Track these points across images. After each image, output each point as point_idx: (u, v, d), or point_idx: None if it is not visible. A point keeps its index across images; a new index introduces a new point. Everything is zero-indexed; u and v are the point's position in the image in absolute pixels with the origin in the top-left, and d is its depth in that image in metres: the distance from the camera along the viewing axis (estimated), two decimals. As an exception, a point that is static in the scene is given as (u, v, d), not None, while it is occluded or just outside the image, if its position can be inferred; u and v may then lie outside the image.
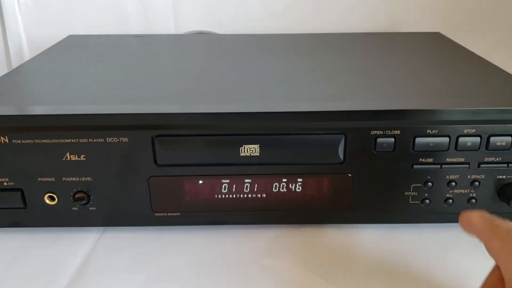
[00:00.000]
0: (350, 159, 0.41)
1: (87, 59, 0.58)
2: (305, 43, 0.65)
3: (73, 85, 0.47)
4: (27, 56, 0.78)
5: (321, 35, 0.70)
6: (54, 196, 0.42)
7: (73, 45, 0.65)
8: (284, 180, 0.42)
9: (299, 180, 0.42)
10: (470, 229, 0.32)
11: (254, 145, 0.40)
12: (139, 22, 0.78)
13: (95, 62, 0.56)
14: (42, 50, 0.61)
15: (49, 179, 0.41)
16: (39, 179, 0.41)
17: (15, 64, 0.78)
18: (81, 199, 0.42)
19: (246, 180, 0.42)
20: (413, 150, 0.40)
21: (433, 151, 0.40)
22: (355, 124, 0.40)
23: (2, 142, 0.40)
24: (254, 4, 0.77)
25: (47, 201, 0.42)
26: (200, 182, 0.42)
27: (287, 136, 0.40)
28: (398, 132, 0.40)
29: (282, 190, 0.43)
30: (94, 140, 0.40)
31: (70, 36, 0.70)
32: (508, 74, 0.49)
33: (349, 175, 0.42)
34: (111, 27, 0.78)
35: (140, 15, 0.78)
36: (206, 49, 0.64)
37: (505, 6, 0.77)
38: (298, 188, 0.42)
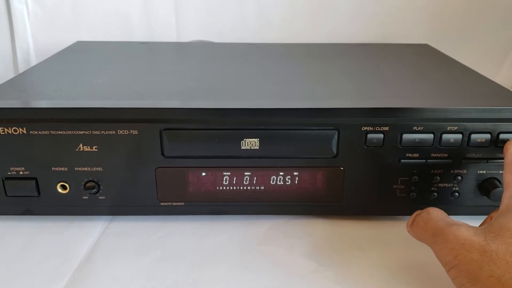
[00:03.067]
0: (342, 154, 0.44)
1: (96, 62, 0.61)
2: (301, 51, 0.69)
3: (84, 83, 0.51)
4: (34, 62, 0.81)
5: (315, 45, 0.75)
6: (66, 185, 0.45)
7: (82, 49, 0.68)
8: (281, 173, 0.45)
9: (295, 173, 0.45)
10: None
11: (254, 139, 0.43)
12: (143, 31, 0.82)
13: (103, 65, 0.60)
14: (49, 56, 0.64)
15: (62, 169, 0.44)
16: (53, 168, 0.44)
17: (22, 70, 0.81)
18: (91, 188, 0.45)
19: (246, 173, 0.45)
20: (401, 146, 0.44)
21: (418, 147, 0.44)
22: (348, 121, 0.43)
23: (20, 133, 0.43)
24: (251, 16, 0.81)
25: (60, 190, 0.45)
26: (203, 174, 0.45)
27: (284, 130, 0.43)
28: (386, 128, 0.43)
29: (279, 183, 0.46)
30: (106, 132, 0.43)
31: (78, 42, 0.74)
32: (489, 79, 0.53)
33: (342, 168, 0.45)
34: (116, 35, 0.82)
35: (144, 24, 0.82)
36: (206, 55, 0.67)
37: (490, 21, 0.82)
38: (294, 181, 0.46)
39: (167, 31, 0.83)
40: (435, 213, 0.37)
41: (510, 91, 0.49)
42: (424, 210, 0.38)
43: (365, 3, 0.81)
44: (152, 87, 0.50)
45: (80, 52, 0.67)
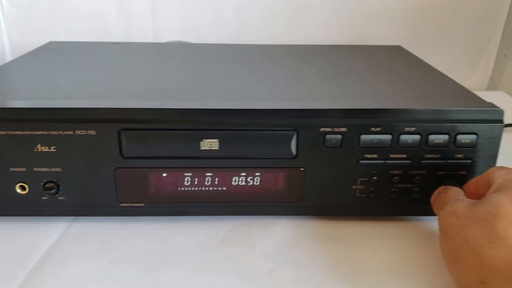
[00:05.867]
0: (302, 154, 0.44)
1: (65, 62, 0.61)
2: (275, 53, 0.69)
3: (48, 83, 0.51)
4: (10, 61, 0.81)
5: (290, 46, 0.75)
6: (26, 186, 0.45)
7: (53, 49, 0.68)
8: (243, 174, 0.45)
9: (256, 174, 0.45)
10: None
11: (214, 140, 0.43)
12: (120, 32, 0.82)
13: (72, 65, 0.60)
14: (22, 56, 0.64)
15: (21, 169, 0.44)
16: (11, 169, 0.44)
17: (-3, 69, 0.81)
18: (50, 188, 0.44)
19: (207, 174, 0.45)
20: (359, 147, 0.44)
21: (377, 148, 0.44)
22: (306, 122, 0.43)
23: (-23, 133, 0.43)
24: (228, 18, 0.81)
25: (19, 191, 0.45)
26: (164, 175, 0.45)
27: (244, 131, 0.43)
28: (344, 129, 0.43)
29: (241, 184, 0.46)
30: (64, 133, 0.43)
31: (51, 42, 0.73)
32: (454, 81, 0.54)
33: (302, 169, 0.45)
34: (93, 36, 0.82)
35: (121, 24, 0.81)
36: (179, 56, 0.67)
37: (464, 24, 0.82)
38: (256, 182, 0.46)
39: (143, 31, 0.83)
40: (451, 192, 0.42)
41: (472, 93, 0.49)
42: (445, 187, 0.43)
43: (341, 6, 0.81)
44: (115, 88, 0.50)
45: (52, 52, 0.66)
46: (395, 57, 0.68)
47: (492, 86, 0.90)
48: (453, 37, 0.83)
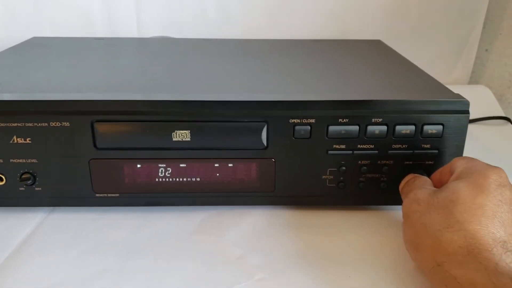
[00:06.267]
0: (273, 145, 0.45)
1: (46, 56, 0.62)
2: (254, 47, 0.70)
3: (27, 77, 0.51)
4: (-5, 57, 0.81)
5: (272, 40, 0.76)
6: (3, 177, 0.46)
7: (35, 45, 0.69)
8: (216, 164, 0.46)
9: (229, 164, 0.46)
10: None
11: (185, 131, 0.44)
12: (104, 27, 0.83)
13: (52, 60, 0.61)
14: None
15: (-2, 161, 0.45)
16: (-12, 160, 0.45)
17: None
18: (27, 179, 0.45)
19: (180, 165, 0.46)
20: (327, 137, 0.45)
21: (345, 138, 0.45)
22: (275, 113, 0.44)
23: (-46, 125, 0.43)
24: (212, 13, 0.82)
25: (-4, 182, 0.46)
26: (138, 166, 0.46)
27: (215, 123, 0.44)
28: (313, 120, 0.44)
29: (213, 174, 0.47)
30: (39, 125, 0.44)
31: (34, 38, 0.74)
32: (426, 74, 0.55)
33: (273, 160, 0.46)
34: (77, 31, 0.82)
35: (105, 20, 0.82)
36: (160, 50, 0.68)
37: (444, 19, 0.83)
38: (228, 172, 0.47)
39: (127, 27, 0.83)
40: (418, 180, 0.43)
41: (442, 85, 0.50)
42: (414, 175, 0.44)
43: (323, 1, 0.82)
44: (93, 81, 0.51)
45: (34, 47, 0.67)
46: (374, 51, 0.69)
47: (473, 80, 0.91)
48: (434, 31, 0.84)
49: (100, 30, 0.83)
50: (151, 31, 0.83)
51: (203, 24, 0.83)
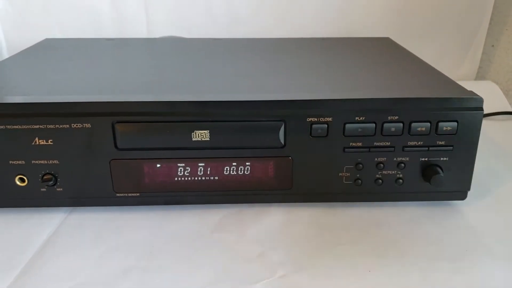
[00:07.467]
0: (290, 144, 0.46)
1: (60, 58, 0.63)
2: (263, 46, 0.71)
3: (44, 79, 0.52)
4: (6, 59, 0.82)
5: (281, 39, 0.76)
6: (25, 178, 0.46)
7: (49, 46, 0.69)
8: (234, 163, 0.47)
9: (247, 163, 0.47)
10: None
11: (205, 131, 0.45)
12: (114, 28, 0.84)
13: (67, 61, 0.61)
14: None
15: (20, 162, 0.46)
16: (10, 162, 0.46)
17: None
18: (48, 180, 0.46)
19: (199, 164, 0.47)
20: (344, 135, 0.45)
21: (361, 136, 0.46)
22: (293, 112, 0.45)
23: (-23, 128, 0.44)
24: (220, 13, 0.83)
25: (18, 183, 0.47)
26: (158, 165, 0.47)
27: (233, 122, 0.45)
28: (330, 119, 0.45)
29: (232, 173, 0.47)
30: (60, 126, 0.44)
31: (47, 39, 0.75)
32: (437, 71, 0.55)
33: (290, 158, 0.47)
34: (87, 32, 0.83)
35: (115, 21, 0.83)
36: (172, 50, 0.69)
37: (452, 15, 0.84)
38: (246, 171, 0.47)
39: (137, 27, 0.84)
40: None
41: (455, 82, 0.51)
42: None
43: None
44: (110, 82, 0.51)
45: (47, 49, 0.68)
46: (383, 49, 0.69)
47: (480, 76, 0.92)
48: (441, 28, 0.84)
49: (110, 31, 0.84)
50: (160, 31, 0.84)
51: (211, 24, 0.84)
